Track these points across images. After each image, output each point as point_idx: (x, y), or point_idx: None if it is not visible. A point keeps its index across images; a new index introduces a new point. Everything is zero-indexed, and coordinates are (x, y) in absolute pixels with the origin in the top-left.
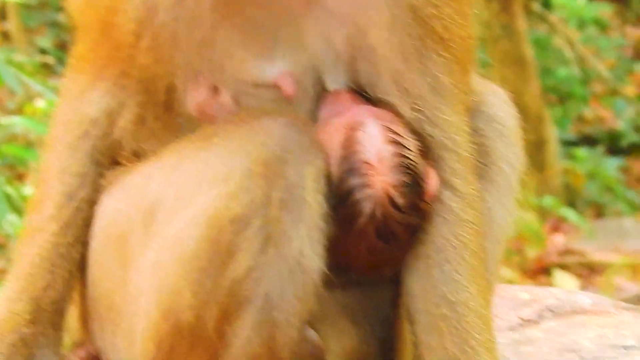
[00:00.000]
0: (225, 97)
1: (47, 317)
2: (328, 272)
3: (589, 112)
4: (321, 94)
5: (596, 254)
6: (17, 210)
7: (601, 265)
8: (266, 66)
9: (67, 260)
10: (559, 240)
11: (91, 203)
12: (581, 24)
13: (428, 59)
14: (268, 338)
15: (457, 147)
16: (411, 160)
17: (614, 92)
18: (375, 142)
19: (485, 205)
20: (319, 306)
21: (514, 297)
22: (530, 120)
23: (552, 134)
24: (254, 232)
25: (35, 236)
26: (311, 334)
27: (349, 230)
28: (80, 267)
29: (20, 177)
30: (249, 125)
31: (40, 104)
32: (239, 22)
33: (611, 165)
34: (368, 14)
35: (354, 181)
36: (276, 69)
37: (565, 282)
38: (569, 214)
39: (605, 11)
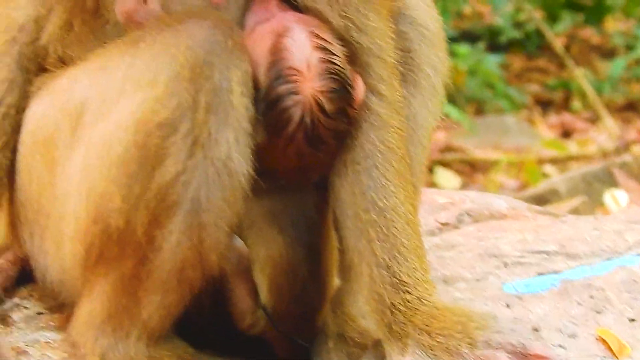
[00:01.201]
0: (153, 4)
1: None
2: (256, 179)
3: (467, 7)
4: (247, 1)
5: (477, 151)
6: None
7: (482, 162)
8: None
9: None
10: (440, 136)
11: (19, 109)
12: None
13: None
14: (197, 241)
15: (383, 53)
16: (338, 66)
17: None
18: (302, 49)
19: (410, 110)
20: (246, 213)
21: (431, 201)
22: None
23: None
24: (181, 136)
25: None
26: (237, 242)
27: (278, 136)
28: (8, 173)
29: None
30: (175, 29)
31: None
32: None
33: (491, 62)
34: None
35: (282, 88)
36: None
37: (446, 180)
38: (450, 110)
39: None
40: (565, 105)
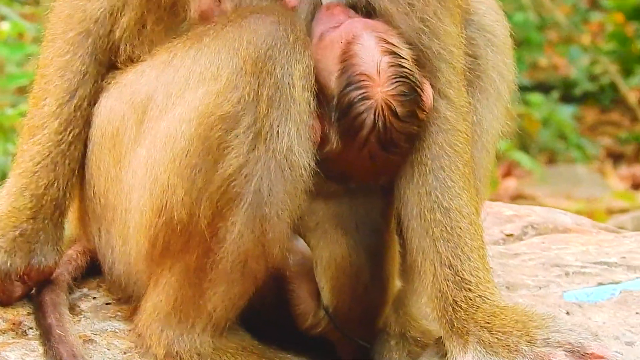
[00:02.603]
0: (227, 3)
1: (48, 214)
2: (324, 181)
3: (543, 59)
4: (316, 8)
5: (548, 199)
6: None
7: None
8: None
9: (69, 158)
10: (511, 184)
11: (90, 101)
12: None
13: None
14: (259, 233)
15: (453, 59)
16: (407, 69)
17: (568, 40)
18: (371, 54)
19: (476, 115)
20: (311, 215)
21: (497, 213)
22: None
23: None
24: (243, 129)
25: (37, 133)
26: (300, 243)
27: (352, 141)
28: (80, 165)
29: None
30: (238, 24)
31: (4, 26)
32: None
33: (565, 112)
34: None
35: (354, 94)
36: None
37: None
38: (522, 158)
39: None
40: (636, 158)
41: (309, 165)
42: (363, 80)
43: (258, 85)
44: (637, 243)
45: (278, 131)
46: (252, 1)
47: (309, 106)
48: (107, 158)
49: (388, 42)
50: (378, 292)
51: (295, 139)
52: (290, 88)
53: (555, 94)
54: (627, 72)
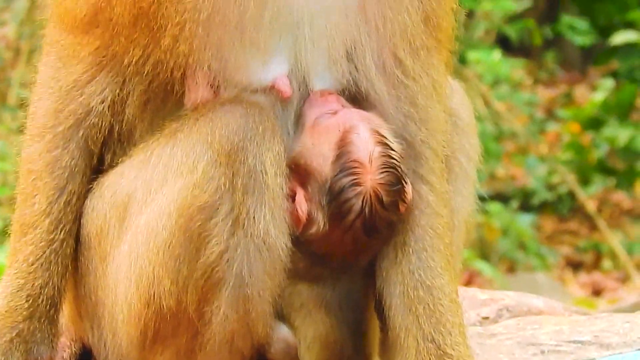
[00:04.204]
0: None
1: (43, 312)
2: (310, 266)
3: (501, 169)
4: (307, 94)
5: None
6: None
7: None
8: (265, 68)
9: (61, 256)
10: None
11: (80, 196)
12: (495, 81)
13: (426, 60)
14: (243, 313)
15: (437, 146)
16: (396, 161)
17: (525, 150)
18: (366, 144)
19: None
20: (296, 296)
21: (472, 298)
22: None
23: None
24: (222, 217)
25: (29, 232)
26: (284, 330)
27: (339, 223)
28: (72, 260)
29: None
30: (209, 119)
31: None
32: (245, 26)
33: (524, 221)
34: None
35: (346, 179)
36: (274, 71)
37: None
38: (483, 267)
39: (518, 70)
40: (595, 266)
41: (286, 246)
42: (356, 167)
43: (232, 174)
44: (609, 322)
45: (254, 216)
46: (246, 94)
47: (282, 190)
48: (93, 256)
49: (381, 135)
50: None
51: (271, 222)
52: (263, 175)
53: (514, 204)
54: (584, 181)
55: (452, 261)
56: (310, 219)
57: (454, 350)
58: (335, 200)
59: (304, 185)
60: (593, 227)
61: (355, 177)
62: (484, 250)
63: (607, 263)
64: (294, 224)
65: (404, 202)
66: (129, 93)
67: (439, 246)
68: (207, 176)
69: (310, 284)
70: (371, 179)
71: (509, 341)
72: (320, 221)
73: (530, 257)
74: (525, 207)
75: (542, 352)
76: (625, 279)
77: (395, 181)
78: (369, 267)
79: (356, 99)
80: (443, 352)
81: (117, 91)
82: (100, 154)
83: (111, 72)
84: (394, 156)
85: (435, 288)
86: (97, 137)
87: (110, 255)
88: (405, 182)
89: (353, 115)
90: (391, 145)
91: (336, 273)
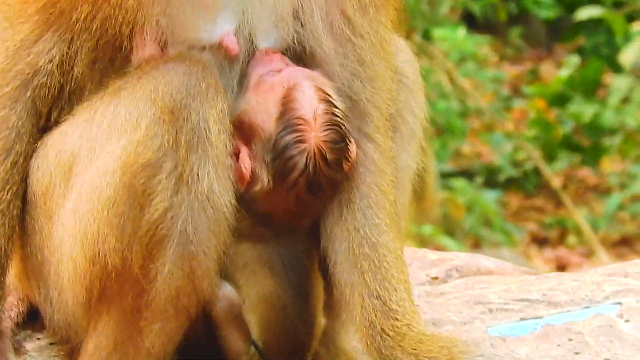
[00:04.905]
0: (173, 53)
1: None
2: (253, 226)
3: (467, 146)
4: (253, 52)
5: None
6: None
7: None
8: (212, 25)
9: (8, 217)
10: None
11: (27, 156)
12: (461, 58)
13: (374, 17)
14: (188, 270)
15: (382, 104)
16: (340, 119)
17: (491, 127)
18: (310, 101)
19: (392, 153)
20: (240, 256)
21: (423, 258)
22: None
23: (432, 164)
24: (166, 174)
25: None
26: (227, 288)
27: (282, 182)
28: (19, 223)
29: None
30: (152, 76)
31: None
32: None
33: (489, 198)
34: None
35: (290, 136)
36: (221, 29)
37: None
38: (449, 242)
39: (484, 47)
40: (560, 242)
41: (230, 203)
42: (300, 125)
43: (176, 132)
44: (557, 281)
45: (198, 174)
46: (193, 51)
47: (226, 147)
48: (39, 216)
49: (325, 92)
50: (305, 327)
51: (215, 179)
52: (206, 132)
53: (478, 180)
54: (550, 158)
55: (396, 219)
56: (254, 177)
57: (399, 306)
58: (279, 157)
59: (248, 143)
60: (558, 204)
61: (299, 134)
62: (449, 227)
63: (572, 239)
64: (238, 182)
65: (348, 160)
66: (77, 51)
67: (384, 204)
68: (151, 134)
69: (254, 243)
70: (315, 136)
71: (457, 300)
72: (264, 179)
73: (495, 233)
74: (491, 183)
75: (490, 310)
76: (589, 254)
77: (339, 139)
78: (313, 227)
79: (302, 58)
80: (388, 308)
81: (65, 50)
82: (48, 113)
83: (59, 30)
84: (338, 114)
85: (380, 245)
86: (45, 97)
87: (56, 214)
88: (349, 141)
89: (297, 73)
90: (335, 103)
91: (280, 233)
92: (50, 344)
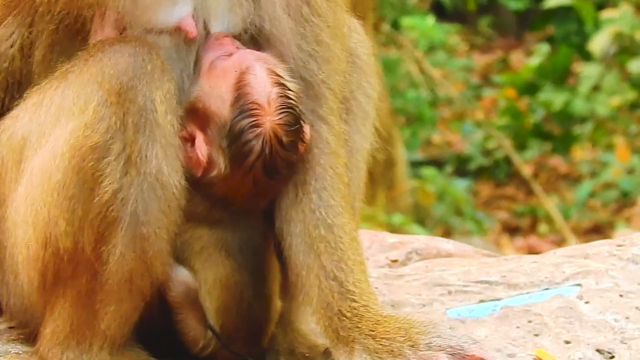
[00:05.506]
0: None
1: None
2: (210, 209)
3: (437, 135)
4: (205, 37)
5: None
6: None
7: None
8: (170, 8)
9: None
10: None
11: None
12: (430, 48)
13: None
14: (140, 251)
15: (335, 86)
16: (294, 101)
17: (461, 116)
18: (263, 85)
19: (345, 135)
20: (196, 240)
21: (382, 241)
22: (379, 140)
23: (402, 153)
24: (114, 156)
25: None
26: (182, 273)
27: (239, 166)
28: None
29: None
30: (99, 59)
31: None
32: None
33: (459, 186)
34: None
35: (245, 121)
36: (179, 12)
37: None
38: (419, 231)
39: (454, 36)
40: (532, 230)
41: (180, 184)
42: (255, 109)
43: (123, 114)
44: (516, 263)
45: (146, 155)
46: (153, 33)
47: (173, 128)
48: None
49: (277, 75)
50: (261, 310)
51: (164, 160)
52: (153, 113)
53: (449, 169)
54: (520, 147)
55: (351, 200)
56: (210, 162)
57: (356, 287)
58: (235, 142)
59: (203, 128)
60: (529, 192)
61: (254, 118)
62: (419, 215)
63: (543, 227)
64: (194, 168)
65: (303, 141)
66: (37, 35)
67: (339, 185)
68: (98, 116)
69: (210, 227)
70: (270, 120)
71: (416, 282)
72: (221, 164)
73: (466, 221)
74: (462, 172)
75: (450, 292)
76: (561, 242)
77: (294, 121)
78: (269, 211)
79: (255, 40)
80: (345, 289)
81: (27, 34)
82: (4, 99)
83: (20, 14)
84: (292, 96)
85: (336, 226)
86: (6, 83)
87: (9, 198)
88: (304, 122)
89: (248, 56)
90: (288, 85)
91: (236, 216)
92: (10, 327)
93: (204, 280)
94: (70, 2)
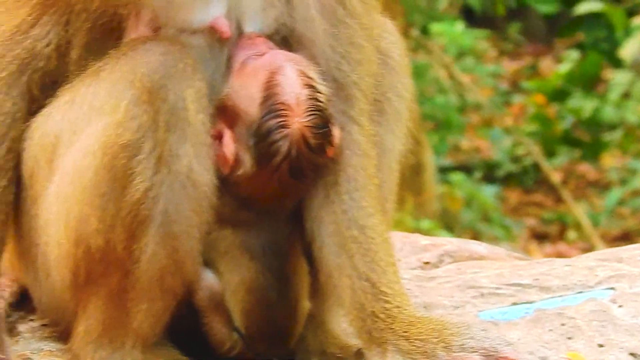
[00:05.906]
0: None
1: None
2: (234, 210)
3: (465, 141)
4: (239, 37)
5: None
6: None
7: None
8: (205, 8)
9: (3, 203)
10: None
11: (21, 141)
12: (460, 53)
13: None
14: (171, 250)
15: (367, 88)
16: (323, 104)
17: (490, 122)
18: (293, 86)
19: (378, 136)
20: (221, 242)
21: (414, 243)
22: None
23: (430, 159)
24: (145, 155)
25: None
26: (208, 276)
27: (265, 166)
28: (14, 208)
29: None
30: (131, 57)
31: None
32: None
33: (488, 193)
34: None
35: (273, 121)
36: (213, 12)
37: None
38: (447, 236)
39: (482, 42)
40: (560, 237)
41: (211, 182)
42: (283, 110)
43: (154, 112)
44: (549, 266)
45: (177, 153)
46: (187, 33)
47: (204, 127)
48: (27, 198)
49: (308, 76)
50: (286, 312)
51: (195, 158)
52: (184, 112)
53: (477, 174)
54: (549, 153)
55: (382, 202)
56: (237, 160)
57: (389, 288)
58: (262, 142)
59: (231, 126)
60: (558, 199)
61: (282, 119)
62: (447, 221)
63: (572, 234)
64: (221, 165)
65: (331, 144)
66: (73, 34)
67: (370, 186)
68: (130, 114)
69: (234, 229)
70: (298, 121)
71: (448, 284)
72: (248, 162)
73: (494, 228)
74: (490, 178)
75: (482, 294)
76: (589, 250)
77: (322, 124)
78: (293, 212)
79: (288, 42)
80: (378, 290)
81: (62, 33)
82: (41, 98)
83: (56, 13)
84: (321, 99)
85: (368, 227)
86: (42, 82)
87: (41, 197)
88: (333, 125)
89: (280, 57)
90: (318, 87)
91: (261, 218)
92: (43, 325)
93: (228, 283)
94: (106, 0)
